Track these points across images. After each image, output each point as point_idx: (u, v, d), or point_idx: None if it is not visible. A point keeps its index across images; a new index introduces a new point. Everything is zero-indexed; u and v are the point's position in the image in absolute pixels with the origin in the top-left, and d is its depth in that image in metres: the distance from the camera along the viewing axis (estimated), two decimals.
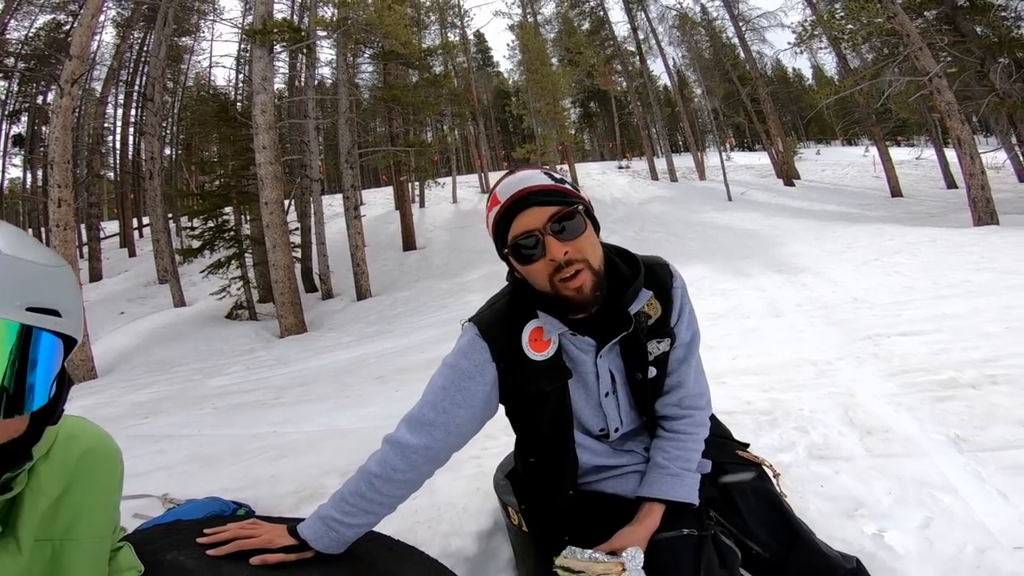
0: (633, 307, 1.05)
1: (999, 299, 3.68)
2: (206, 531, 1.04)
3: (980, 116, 10.99)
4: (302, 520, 1.06)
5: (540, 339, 1.06)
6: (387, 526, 1.17)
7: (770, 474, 1.21)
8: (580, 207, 1.00)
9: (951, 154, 18.23)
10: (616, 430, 1.15)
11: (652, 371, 1.11)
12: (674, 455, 1.11)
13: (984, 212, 8.61)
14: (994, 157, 10.61)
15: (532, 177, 1.00)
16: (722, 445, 1.24)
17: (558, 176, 1.02)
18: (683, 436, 1.14)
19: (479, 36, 38.16)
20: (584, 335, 1.06)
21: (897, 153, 20.81)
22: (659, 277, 1.12)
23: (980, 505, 1.57)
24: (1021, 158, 14.89)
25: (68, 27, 16.96)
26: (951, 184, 18.47)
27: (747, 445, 1.29)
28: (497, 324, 1.07)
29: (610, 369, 1.10)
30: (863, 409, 2.30)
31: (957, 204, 13.31)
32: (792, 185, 20.92)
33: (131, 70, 20.22)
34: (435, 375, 1.10)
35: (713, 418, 1.26)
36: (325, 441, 2.91)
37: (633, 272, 1.08)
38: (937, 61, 9.29)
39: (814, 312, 4.10)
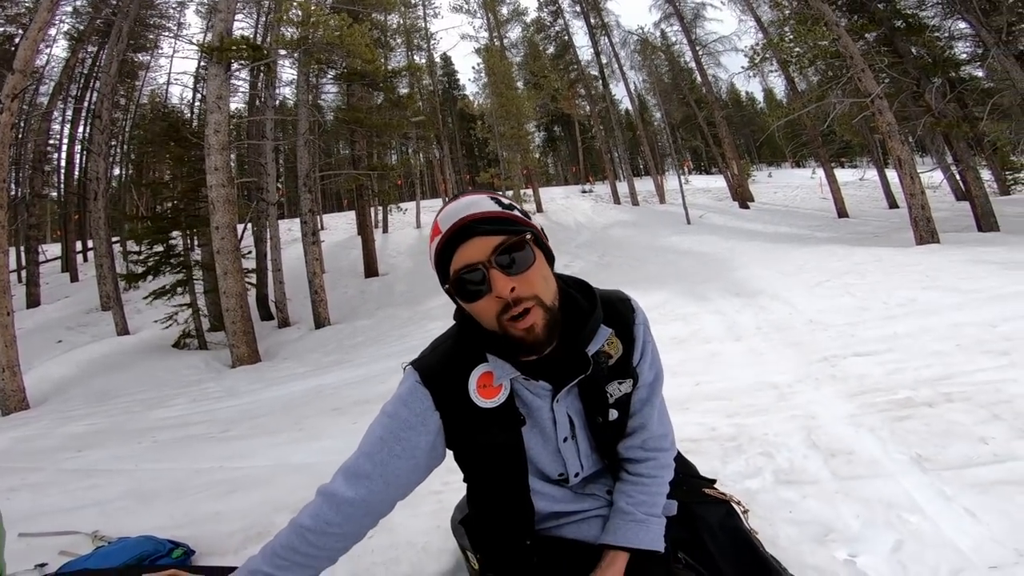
0: (591, 347, 0.97)
1: (946, 317, 3.81)
2: None
3: (916, 137, 11.66)
4: (231, 571, 0.97)
5: (489, 385, 0.96)
6: (342, 566, 1.09)
7: (739, 510, 1.17)
8: (529, 235, 0.90)
9: (892, 174, 19.41)
10: (576, 475, 1.08)
11: (613, 413, 1.04)
12: (638, 500, 1.05)
13: (925, 231, 9.02)
14: (930, 177, 11.23)
15: (476, 203, 0.90)
16: (688, 483, 1.19)
17: (507, 201, 0.93)
18: (647, 480, 1.07)
19: (445, 59, 38.57)
20: (539, 379, 0.97)
21: (841, 175, 21.93)
22: (620, 313, 1.05)
23: (949, 525, 1.58)
24: (958, 177, 15.84)
25: (19, 40, 16.21)
26: (892, 204, 19.55)
27: (714, 481, 1.25)
28: (441, 369, 0.98)
29: (568, 413, 1.02)
30: (825, 431, 2.31)
31: (899, 224, 14.03)
32: (747, 208, 21.72)
33: (81, 85, 19.40)
34: (373, 423, 1.00)
35: (678, 456, 1.22)
36: (276, 477, 2.77)
37: (591, 307, 1.00)
38: (878, 83, 9.80)
39: (772, 335, 4.14)
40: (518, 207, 0.95)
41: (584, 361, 0.96)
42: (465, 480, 1.12)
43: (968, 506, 1.64)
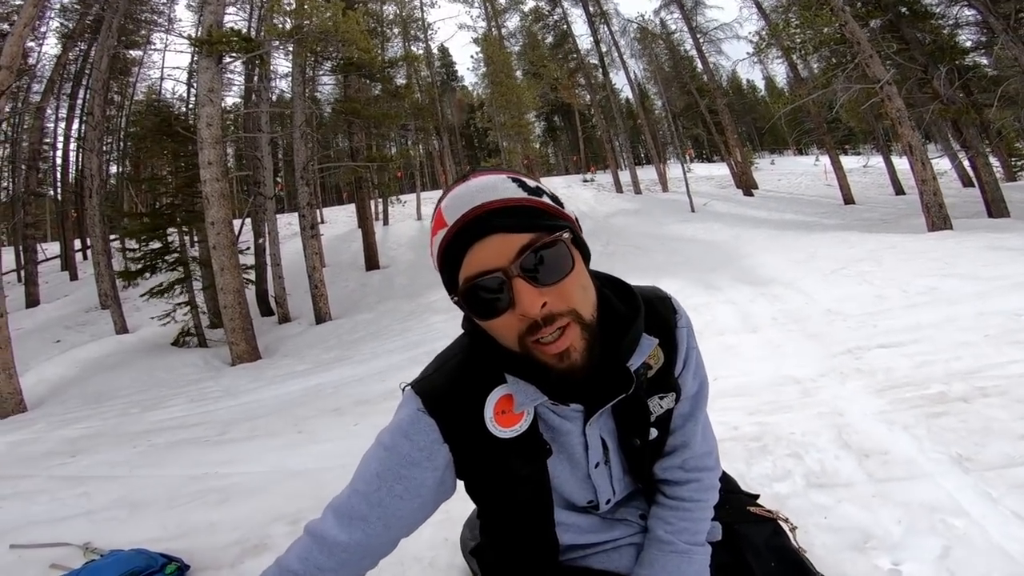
0: (634, 361, 0.80)
1: (970, 306, 3.68)
2: None
3: (923, 125, 11.51)
4: None
5: (509, 411, 0.79)
6: None
7: (785, 528, 1.04)
8: (566, 233, 0.69)
9: (897, 161, 19.22)
10: (608, 501, 0.93)
11: (653, 432, 0.88)
12: (679, 527, 0.90)
13: (937, 217, 8.87)
14: (937, 164, 11.10)
15: (494, 187, 0.69)
16: (731, 502, 1.05)
17: (533, 184, 0.72)
18: (689, 504, 0.92)
19: (443, 51, 38.35)
20: (569, 402, 0.80)
21: (845, 162, 21.72)
22: (660, 316, 0.87)
23: (997, 529, 1.47)
24: (966, 164, 15.68)
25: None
26: (899, 190, 19.35)
27: (757, 496, 1.12)
28: (449, 394, 0.80)
29: (601, 435, 0.86)
30: (856, 430, 2.18)
31: (907, 210, 13.87)
32: (751, 195, 21.53)
33: (73, 83, 19.26)
34: (369, 454, 0.83)
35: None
36: (274, 484, 2.66)
37: (632, 313, 0.82)
38: (885, 69, 9.64)
39: (789, 326, 4.01)
40: (547, 191, 0.74)
41: (626, 378, 0.79)
42: (479, 515, 0.97)
43: (1016, 509, 1.53)
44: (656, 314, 0.87)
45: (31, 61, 17.37)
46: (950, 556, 1.39)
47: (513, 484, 0.83)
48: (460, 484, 0.90)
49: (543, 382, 0.76)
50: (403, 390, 0.84)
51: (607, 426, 0.86)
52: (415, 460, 0.79)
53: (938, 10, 12.13)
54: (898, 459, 1.91)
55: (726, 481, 1.12)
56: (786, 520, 1.06)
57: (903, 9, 11.80)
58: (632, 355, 0.80)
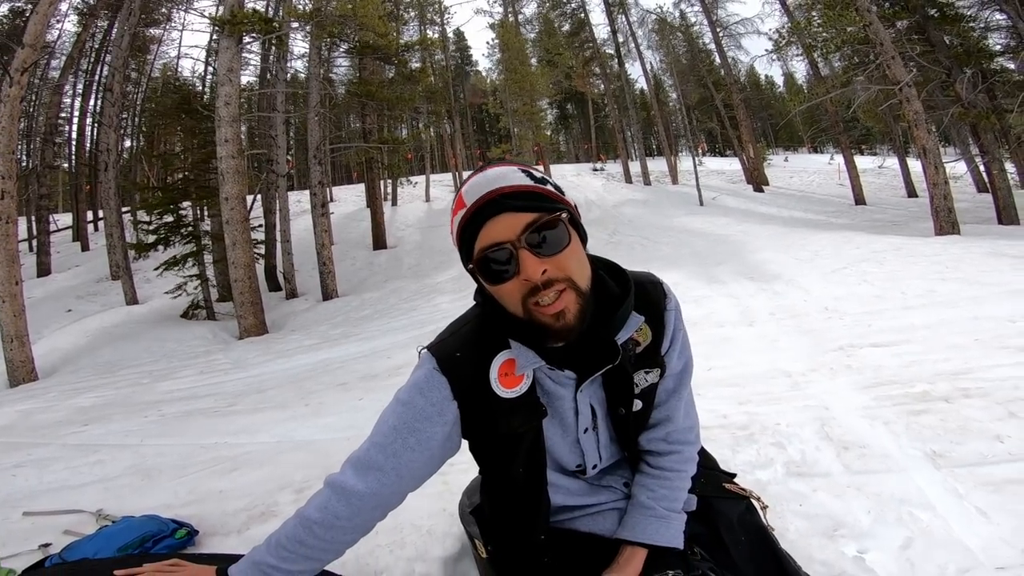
0: (621, 335, 0.92)
1: (965, 310, 3.72)
2: (116, 573, 0.93)
3: (942, 128, 11.36)
4: (235, 559, 0.94)
5: (511, 373, 0.91)
6: (347, 550, 1.06)
7: (757, 506, 1.14)
8: (564, 214, 0.83)
9: (912, 163, 18.99)
10: (594, 467, 1.04)
11: (638, 404, 0.99)
12: (660, 494, 1.01)
13: (946, 222, 8.83)
14: (953, 167, 11.00)
15: (506, 176, 0.83)
16: (708, 477, 1.16)
17: (539, 175, 0.86)
18: (670, 474, 1.03)
19: (459, 34, 38.01)
20: (563, 368, 0.92)
21: (860, 162, 21.46)
22: (651, 298, 0.99)
23: (960, 524, 1.55)
24: (982, 169, 15.49)
25: (28, 15, 16.08)
26: (911, 193, 19.15)
27: (734, 475, 1.22)
28: (460, 355, 0.92)
29: (591, 403, 0.97)
30: (839, 423, 2.26)
31: (918, 213, 13.76)
32: (761, 191, 21.38)
33: (92, 60, 19.34)
34: (386, 411, 0.95)
35: (700, 448, 1.17)
36: (281, 454, 2.76)
37: (622, 293, 0.93)
38: (907, 71, 9.53)
39: (786, 321, 4.07)
40: (551, 181, 0.88)
41: (613, 350, 0.90)
42: (480, 472, 1.08)
43: (980, 505, 1.61)
44: (647, 296, 0.98)
45: (50, 38, 17.41)
46: (912, 547, 1.47)
47: (511, 441, 0.94)
48: (463, 453, 1.01)
49: (542, 348, 0.88)
50: (420, 353, 0.96)
51: (597, 395, 0.97)
52: (428, 415, 0.90)
53: (969, 12, 11.89)
54: (875, 453, 1.98)
55: (705, 458, 1.22)
56: (758, 499, 1.16)
57: (932, 11, 11.58)
58: (620, 330, 0.91)
